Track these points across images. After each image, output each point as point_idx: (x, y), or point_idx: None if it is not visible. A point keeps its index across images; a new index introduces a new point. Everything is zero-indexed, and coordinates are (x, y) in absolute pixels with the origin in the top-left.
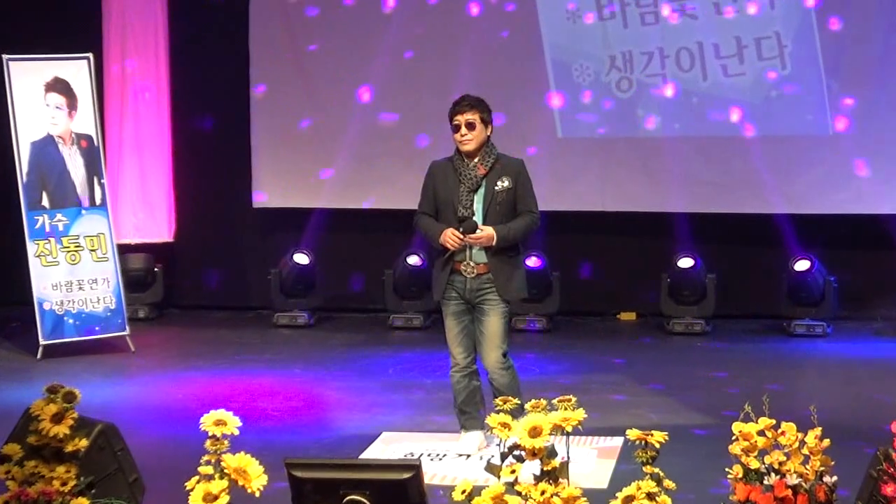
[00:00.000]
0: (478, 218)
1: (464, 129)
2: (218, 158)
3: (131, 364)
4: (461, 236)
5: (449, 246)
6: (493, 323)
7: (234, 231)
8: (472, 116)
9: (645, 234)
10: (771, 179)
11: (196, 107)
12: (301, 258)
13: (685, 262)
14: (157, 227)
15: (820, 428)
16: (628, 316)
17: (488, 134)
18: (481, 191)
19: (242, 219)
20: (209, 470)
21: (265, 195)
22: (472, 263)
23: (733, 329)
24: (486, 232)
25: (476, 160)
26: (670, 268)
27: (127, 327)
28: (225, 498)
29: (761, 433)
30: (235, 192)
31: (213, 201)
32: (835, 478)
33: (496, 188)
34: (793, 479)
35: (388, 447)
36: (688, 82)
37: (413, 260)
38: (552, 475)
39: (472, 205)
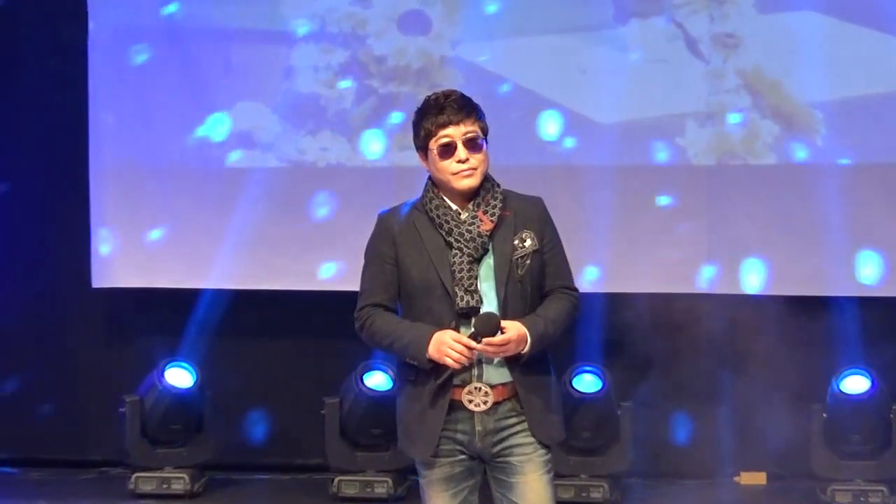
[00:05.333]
0: (489, 305)
1: (462, 152)
2: (34, 208)
3: None
4: (473, 344)
5: (450, 363)
6: (537, 488)
7: (62, 329)
8: (472, 128)
9: (780, 333)
10: None
11: None
12: (178, 377)
13: (853, 384)
14: None
15: None
16: (754, 478)
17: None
18: (489, 260)
19: (75, 308)
20: None
21: (114, 269)
22: (483, 389)
23: None
24: (514, 331)
25: (473, 206)
26: (827, 393)
27: None
28: None
29: None
30: (63, 263)
31: (24, 279)
32: None
33: (515, 253)
34: None
35: None
36: None
37: (375, 380)
38: None
39: (476, 285)
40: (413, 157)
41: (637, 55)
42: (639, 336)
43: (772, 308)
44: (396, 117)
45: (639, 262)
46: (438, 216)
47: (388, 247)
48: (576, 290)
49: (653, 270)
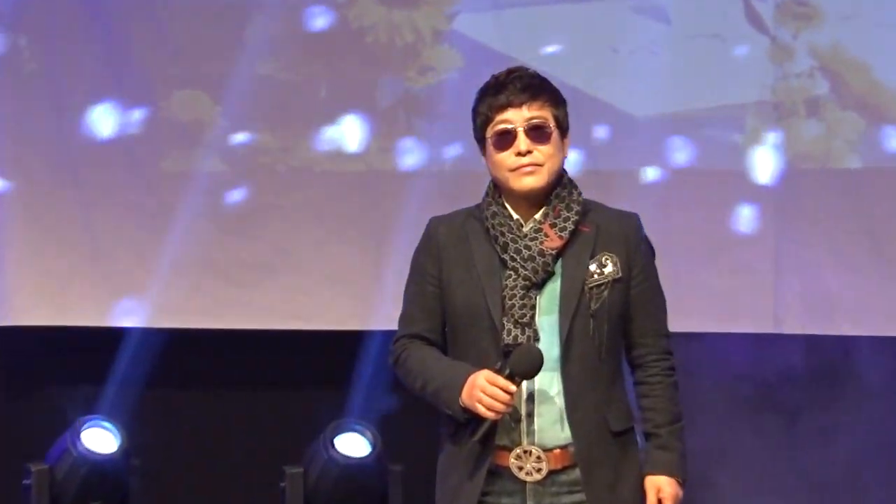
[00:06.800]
0: (549, 344)
1: (523, 142)
2: None
3: None
4: (511, 387)
5: (482, 410)
6: None
7: None
8: (539, 113)
9: (867, 384)
10: None
11: None
12: (97, 440)
13: None
14: None
15: None
16: None
17: (565, 156)
18: (554, 284)
19: None
20: None
21: (15, 302)
22: (535, 453)
23: None
24: (669, 496)
25: (540, 216)
26: None
27: None
28: None
29: None
30: None
31: None
32: None
33: (589, 280)
34: None
35: None
36: None
37: (348, 444)
38: None
39: (533, 315)
40: (397, 160)
41: (683, 29)
42: (698, 383)
43: (857, 350)
44: (376, 108)
45: (686, 295)
46: (494, 226)
47: (430, 261)
48: (670, 351)
49: (703, 305)
